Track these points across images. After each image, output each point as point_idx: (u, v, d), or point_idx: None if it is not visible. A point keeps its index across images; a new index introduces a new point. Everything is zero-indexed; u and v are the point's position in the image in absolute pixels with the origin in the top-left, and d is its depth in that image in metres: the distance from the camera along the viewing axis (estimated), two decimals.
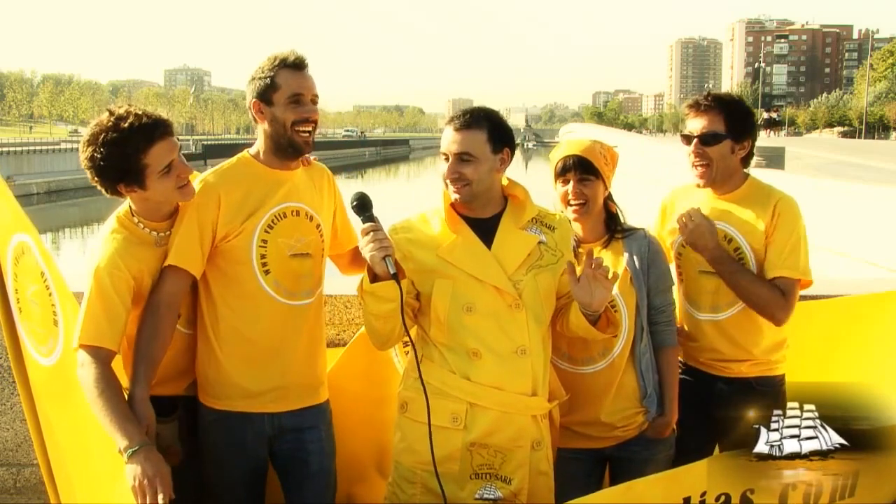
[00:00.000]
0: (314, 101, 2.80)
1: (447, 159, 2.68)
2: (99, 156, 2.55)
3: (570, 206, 2.94)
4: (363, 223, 2.56)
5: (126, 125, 2.56)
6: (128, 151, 2.55)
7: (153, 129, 2.58)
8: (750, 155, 3.10)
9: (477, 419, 2.62)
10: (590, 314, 2.62)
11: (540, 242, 2.72)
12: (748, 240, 3.01)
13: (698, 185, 3.11)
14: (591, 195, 2.93)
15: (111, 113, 2.61)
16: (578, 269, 2.61)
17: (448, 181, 2.68)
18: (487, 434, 2.63)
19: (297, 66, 2.75)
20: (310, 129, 2.78)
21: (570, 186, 2.93)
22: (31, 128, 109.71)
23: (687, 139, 3.08)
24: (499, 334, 2.63)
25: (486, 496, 2.64)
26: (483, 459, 2.64)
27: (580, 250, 2.92)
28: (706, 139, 3.02)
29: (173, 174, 2.61)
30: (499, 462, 2.65)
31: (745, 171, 3.13)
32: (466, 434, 2.63)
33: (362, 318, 2.74)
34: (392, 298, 2.51)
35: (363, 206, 2.59)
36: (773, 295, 2.94)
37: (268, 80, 2.74)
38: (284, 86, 2.73)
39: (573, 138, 3.14)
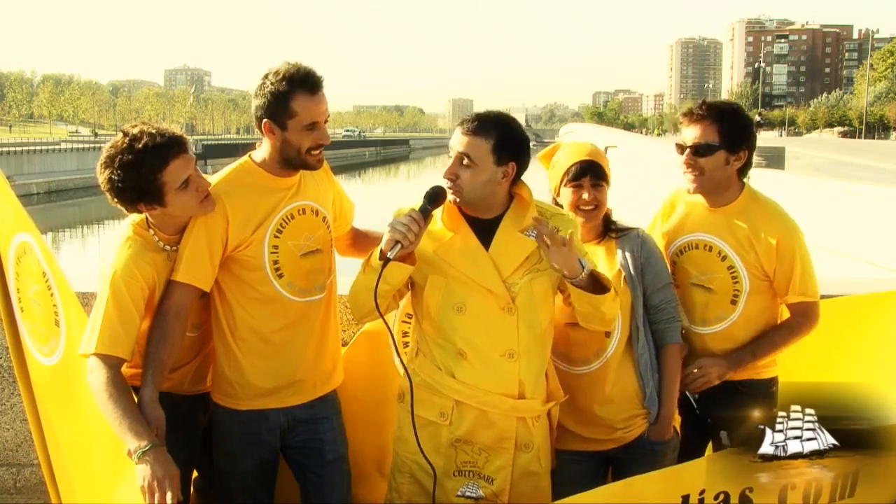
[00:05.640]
0: (327, 122, 2.76)
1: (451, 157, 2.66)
2: (116, 178, 2.55)
3: (582, 210, 2.91)
4: (418, 209, 2.55)
5: (140, 146, 2.55)
6: (144, 172, 2.55)
7: (168, 149, 2.58)
8: (747, 165, 2.99)
9: (463, 416, 2.65)
10: (576, 282, 2.55)
11: None
12: (741, 256, 2.95)
13: (689, 191, 3.02)
14: (602, 199, 2.92)
15: (125, 133, 2.59)
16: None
17: (445, 179, 2.65)
18: (471, 432, 2.65)
19: (314, 89, 2.67)
20: (321, 149, 2.76)
21: (584, 192, 2.90)
22: (10, 127, 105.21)
23: (680, 148, 2.99)
24: (487, 337, 2.63)
25: (468, 494, 2.66)
26: (467, 457, 2.67)
27: None
28: (699, 150, 2.92)
29: (192, 188, 2.62)
30: (482, 461, 2.67)
31: (743, 181, 3.03)
32: (452, 430, 2.66)
33: (351, 286, 2.72)
34: (388, 281, 2.55)
35: (434, 199, 2.58)
36: (798, 327, 3.00)
37: (282, 103, 2.65)
38: (302, 113, 2.65)
39: (575, 142, 3.09)
